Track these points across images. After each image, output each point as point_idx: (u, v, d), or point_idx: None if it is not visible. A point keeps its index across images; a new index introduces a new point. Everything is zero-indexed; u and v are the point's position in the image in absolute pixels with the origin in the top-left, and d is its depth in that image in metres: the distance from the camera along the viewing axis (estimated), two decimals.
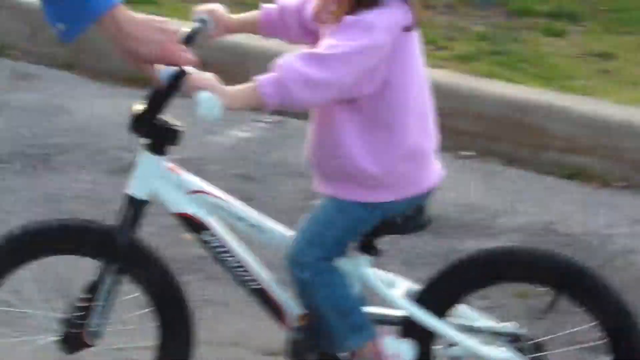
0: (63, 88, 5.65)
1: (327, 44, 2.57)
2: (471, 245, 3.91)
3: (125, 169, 4.59)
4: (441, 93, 4.70)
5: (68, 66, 5.73)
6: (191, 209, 2.93)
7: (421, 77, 2.77)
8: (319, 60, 2.58)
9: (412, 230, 2.95)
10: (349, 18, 2.60)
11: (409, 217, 2.90)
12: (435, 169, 2.85)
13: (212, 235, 2.95)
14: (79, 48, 5.71)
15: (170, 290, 3.11)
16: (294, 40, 2.88)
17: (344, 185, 2.79)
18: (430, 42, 5.29)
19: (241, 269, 2.98)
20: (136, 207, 2.92)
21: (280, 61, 2.59)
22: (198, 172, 4.53)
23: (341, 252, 2.86)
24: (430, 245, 3.98)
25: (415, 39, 2.69)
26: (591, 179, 4.46)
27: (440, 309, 2.99)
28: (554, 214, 4.12)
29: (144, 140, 2.85)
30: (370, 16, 2.59)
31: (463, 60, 5.07)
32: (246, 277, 2.98)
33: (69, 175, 4.65)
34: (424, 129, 2.80)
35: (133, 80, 5.38)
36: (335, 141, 2.76)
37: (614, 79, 4.79)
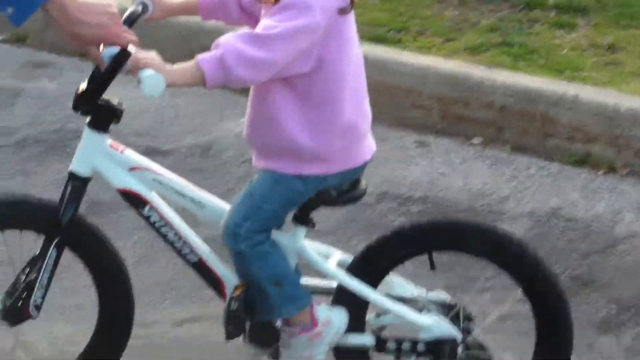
0: (78, 75, 5.64)
1: (265, 24, 2.64)
2: None
3: (143, 154, 4.60)
4: (450, 82, 4.82)
5: (82, 54, 5.58)
6: (132, 185, 3.00)
7: (357, 57, 2.83)
8: (258, 40, 2.64)
9: (346, 202, 3.04)
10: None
11: (343, 190, 2.98)
12: (368, 145, 2.92)
13: (152, 210, 3.02)
14: None
15: (111, 265, 3.19)
16: (234, 23, 2.92)
17: (281, 159, 2.85)
18: (439, 34, 5.39)
19: (180, 242, 3.04)
20: (79, 183, 2.99)
21: (220, 40, 2.65)
22: (212, 158, 4.62)
23: (277, 224, 2.92)
24: None
25: (351, 20, 2.75)
26: (597, 166, 4.49)
27: (372, 279, 3.07)
28: (560, 200, 4.16)
29: (87, 118, 2.92)
30: (300, 1, 2.69)
31: (472, 52, 5.08)
32: (185, 251, 3.05)
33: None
34: (358, 106, 2.87)
35: None
36: (272, 116, 2.82)
37: (621, 71, 4.84)
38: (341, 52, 2.75)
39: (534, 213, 4.16)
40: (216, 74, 2.65)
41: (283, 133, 2.82)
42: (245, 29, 2.78)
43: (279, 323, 3.06)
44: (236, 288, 3.00)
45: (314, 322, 3.02)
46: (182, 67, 2.67)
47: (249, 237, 2.88)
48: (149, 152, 4.63)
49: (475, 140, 4.72)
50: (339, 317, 3.06)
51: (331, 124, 2.83)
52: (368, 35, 5.35)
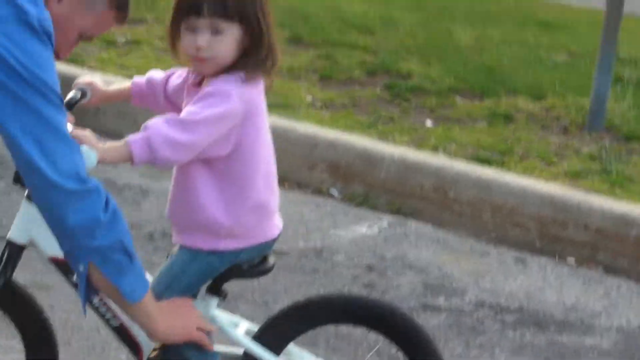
0: None
1: (189, 110, 2.80)
2: (572, 340, 4.17)
3: None
4: (550, 204, 5.07)
5: None
6: (63, 254, 3.08)
7: (268, 142, 2.99)
8: (182, 124, 2.79)
9: (256, 275, 3.21)
10: (208, 87, 2.87)
11: (254, 264, 3.12)
12: (277, 223, 3.06)
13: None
14: None
15: (40, 329, 3.30)
16: (160, 109, 3.10)
17: (198, 234, 2.98)
18: (542, 158, 5.56)
19: (104, 308, 3.15)
20: (14, 250, 3.11)
21: (148, 123, 2.82)
22: (324, 261, 4.77)
23: (192, 294, 3.07)
24: (537, 338, 4.15)
25: (263, 106, 2.96)
26: None
27: (274, 347, 3.21)
28: None
29: (25, 191, 3.06)
30: (226, 86, 2.85)
31: (572, 177, 5.23)
32: (108, 316, 3.16)
33: None
34: (269, 186, 2.99)
35: None
36: (191, 194, 2.96)
37: None
38: (256, 137, 2.91)
39: (622, 327, 4.27)
40: (143, 153, 2.81)
41: (201, 210, 2.96)
42: (170, 114, 2.98)
43: None
44: (153, 350, 3.14)
45: None
46: (113, 146, 2.84)
47: None
48: None
49: (570, 260, 4.85)
50: None
51: (245, 202, 2.97)
52: (474, 156, 5.53)
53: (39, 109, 2.77)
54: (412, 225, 5.27)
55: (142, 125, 2.85)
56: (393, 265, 4.83)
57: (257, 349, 3.12)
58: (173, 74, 3.15)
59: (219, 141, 2.85)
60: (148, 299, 2.92)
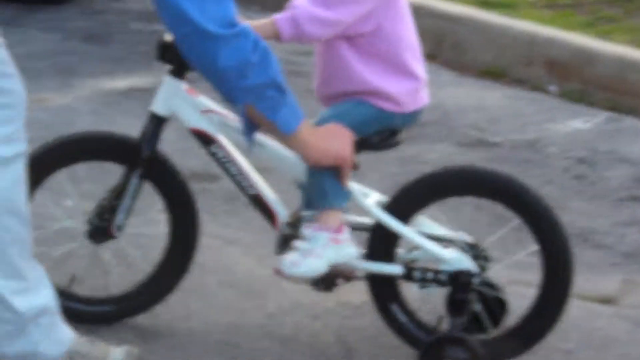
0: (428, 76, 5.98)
1: None
2: None
3: (474, 144, 4.81)
4: None
5: (432, 57, 6.01)
6: (203, 125, 3.26)
7: (409, 20, 3.09)
8: (326, 3, 2.92)
9: (385, 148, 3.27)
10: None
11: (384, 137, 3.22)
12: (425, 94, 3.17)
13: (219, 147, 3.28)
14: (440, 41, 6.23)
15: (181, 194, 3.44)
16: None
17: (355, 98, 3.14)
18: None
19: (241, 176, 3.30)
20: (158, 122, 3.26)
21: (295, 3, 2.96)
22: (537, 152, 4.88)
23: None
24: None
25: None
26: None
27: (404, 217, 3.28)
28: None
29: (168, 66, 3.21)
30: None
31: None
32: (244, 184, 3.30)
33: (424, 145, 4.91)
34: (416, 57, 3.11)
35: (487, 73, 5.95)
36: (342, 67, 3.08)
37: None
38: (396, 20, 3.02)
39: None
40: (290, 30, 2.96)
41: (355, 77, 3.08)
42: None
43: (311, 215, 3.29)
44: (290, 216, 3.32)
45: (340, 229, 3.24)
46: (261, 23, 2.99)
47: None
48: (478, 144, 5.02)
49: None
50: (355, 249, 3.29)
51: (395, 71, 3.09)
52: None
53: None
54: (628, 121, 5.29)
55: (288, 4, 3.02)
56: (605, 158, 4.85)
57: (386, 218, 3.24)
58: None
59: (362, 19, 2.98)
60: (303, 128, 3.04)
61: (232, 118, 3.24)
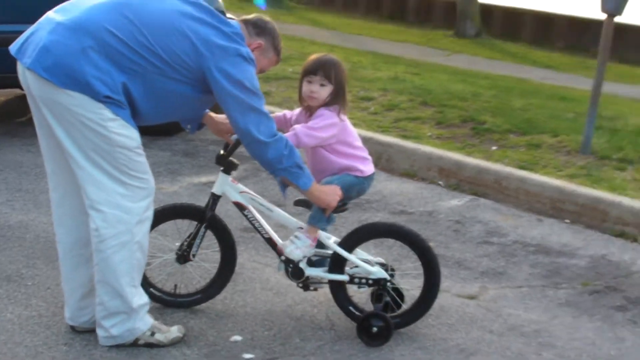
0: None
1: (313, 122, 3.64)
2: None
3: (398, 213, 5.37)
4: None
5: (376, 164, 4.98)
6: (240, 199, 3.89)
7: (354, 132, 3.79)
8: (312, 129, 3.62)
9: (340, 212, 3.91)
10: (320, 111, 3.71)
11: (338, 206, 3.85)
12: (372, 167, 3.83)
13: (249, 212, 3.91)
14: (380, 157, 6.94)
15: (228, 239, 4.03)
16: (287, 128, 3.76)
17: (338, 174, 3.71)
18: (554, 167, 6.61)
19: (260, 228, 3.91)
20: (215, 198, 3.90)
21: (295, 128, 3.63)
22: (432, 217, 5.45)
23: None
24: None
25: (347, 122, 3.77)
26: None
27: (349, 249, 3.98)
28: None
29: (221, 168, 3.81)
30: (327, 112, 3.72)
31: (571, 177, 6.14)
32: (262, 231, 3.92)
33: (371, 213, 5.92)
34: (363, 150, 3.86)
35: (405, 174, 6.84)
36: (325, 161, 3.77)
37: None
38: (347, 134, 3.78)
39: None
40: (294, 140, 3.55)
41: (336, 164, 3.76)
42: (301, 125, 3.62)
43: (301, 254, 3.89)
44: (281, 260, 3.95)
45: (315, 240, 3.89)
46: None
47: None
48: (401, 213, 5.75)
49: None
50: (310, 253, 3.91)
51: (355, 155, 3.81)
52: (517, 165, 6.61)
53: (252, 102, 3.50)
54: (482, 201, 6.35)
55: (291, 128, 3.68)
56: (469, 221, 5.88)
57: (339, 249, 3.95)
58: (294, 112, 3.90)
59: (330, 137, 3.71)
60: (314, 186, 3.65)
61: (257, 196, 3.91)
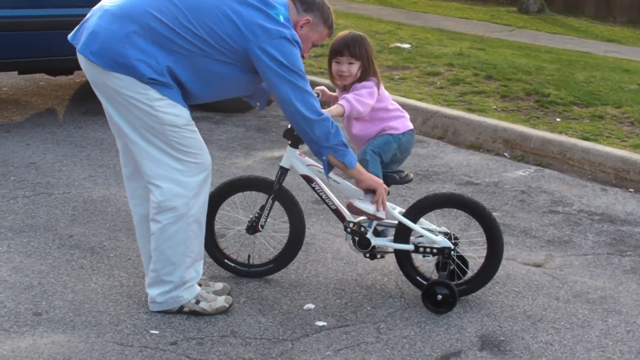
0: (441, 149, 6.79)
1: (357, 91, 3.71)
2: None
3: (464, 184, 5.35)
4: None
5: (441, 138, 7.09)
6: (307, 172, 3.88)
7: (388, 96, 3.83)
8: (362, 96, 3.69)
9: (403, 183, 3.99)
10: (359, 85, 3.76)
11: (401, 176, 3.90)
12: (409, 123, 3.86)
13: (316, 184, 3.91)
14: (446, 130, 7.00)
15: (296, 210, 4.07)
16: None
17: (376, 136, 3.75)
18: (617, 137, 6.55)
19: (327, 199, 3.93)
20: (284, 171, 3.89)
21: (345, 96, 3.69)
22: (498, 188, 5.47)
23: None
24: None
25: (382, 89, 3.79)
26: None
27: (414, 219, 3.96)
28: None
29: (289, 142, 3.80)
30: (368, 83, 3.76)
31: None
32: (329, 202, 3.94)
33: (438, 184, 5.84)
34: (398, 109, 3.90)
35: (471, 146, 6.78)
36: (361, 128, 3.83)
37: None
38: (382, 98, 3.80)
39: None
40: (347, 107, 3.63)
41: (374, 128, 3.78)
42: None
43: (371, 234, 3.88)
44: (351, 223, 3.93)
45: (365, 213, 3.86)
46: (332, 110, 3.62)
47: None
48: (467, 184, 5.75)
49: None
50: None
51: (390, 115, 3.85)
52: (580, 135, 6.55)
53: (297, 82, 3.49)
54: (547, 172, 6.22)
55: (340, 98, 3.77)
56: (534, 191, 5.80)
57: (404, 220, 3.94)
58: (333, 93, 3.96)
59: (372, 103, 3.75)
60: (358, 166, 3.69)
61: (320, 167, 3.85)
